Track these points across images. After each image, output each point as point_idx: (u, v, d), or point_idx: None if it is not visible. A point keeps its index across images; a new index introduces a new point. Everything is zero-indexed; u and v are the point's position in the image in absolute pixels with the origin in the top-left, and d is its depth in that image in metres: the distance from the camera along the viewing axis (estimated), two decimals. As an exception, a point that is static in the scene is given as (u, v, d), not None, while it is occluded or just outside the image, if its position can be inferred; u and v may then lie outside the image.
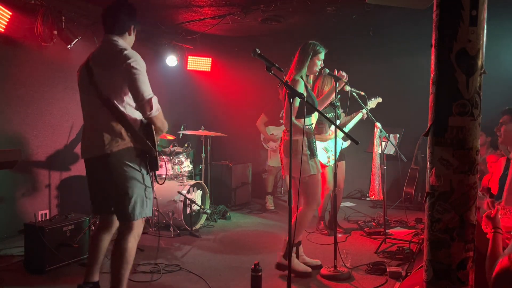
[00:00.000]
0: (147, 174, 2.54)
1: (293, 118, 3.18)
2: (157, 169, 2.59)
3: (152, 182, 2.62)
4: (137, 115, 2.51)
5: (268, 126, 5.92)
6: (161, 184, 2.80)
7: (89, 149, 2.54)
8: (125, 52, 2.43)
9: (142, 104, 2.41)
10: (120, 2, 2.62)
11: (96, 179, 2.61)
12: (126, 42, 2.59)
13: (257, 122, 5.96)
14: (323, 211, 4.59)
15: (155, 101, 2.43)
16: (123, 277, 2.45)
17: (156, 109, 2.45)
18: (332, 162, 4.28)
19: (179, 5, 4.95)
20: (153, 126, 2.50)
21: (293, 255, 3.31)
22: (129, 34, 2.61)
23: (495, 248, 2.06)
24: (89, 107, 2.55)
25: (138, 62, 2.41)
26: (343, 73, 3.45)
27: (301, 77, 3.30)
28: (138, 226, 2.52)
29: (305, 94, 3.25)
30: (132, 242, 2.48)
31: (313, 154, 3.31)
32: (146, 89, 2.41)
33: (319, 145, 4.09)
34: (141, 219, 2.53)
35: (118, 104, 2.43)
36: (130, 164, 2.46)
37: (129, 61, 2.38)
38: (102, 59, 2.50)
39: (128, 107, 2.46)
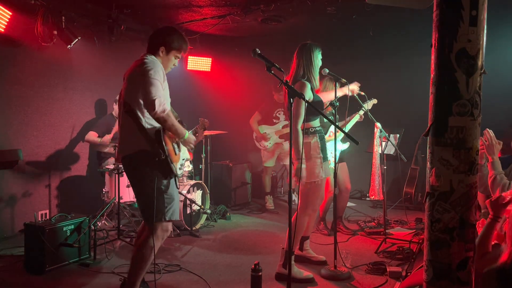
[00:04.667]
0: (164, 179, 2.66)
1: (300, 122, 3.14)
2: (171, 175, 2.69)
3: (172, 186, 2.71)
4: (154, 123, 2.64)
5: (261, 125, 5.90)
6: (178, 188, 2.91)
7: (119, 148, 2.78)
8: (146, 60, 2.63)
9: (147, 104, 2.53)
10: (162, 26, 2.99)
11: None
12: (156, 60, 2.73)
13: (250, 119, 5.93)
14: (324, 212, 4.58)
15: (158, 102, 2.50)
16: (139, 274, 2.67)
17: (162, 110, 2.53)
18: (332, 165, 4.24)
19: (179, 5, 4.95)
20: (162, 132, 2.62)
21: (293, 263, 3.26)
22: (159, 55, 2.77)
23: (486, 234, 2.03)
24: (119, 113, 2.77)
25: (155, 70, 2.57)
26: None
27: (308, 80, 3.24)
28: (158, 228, 2.64)
29: (312, 97, 3.24)
30: (150, 243, 2.61)
31: (325, 157, 3.29)
32: (153, 91, 2.50)
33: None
34: (161, 222, 2.64)
35: (136, 110, 2.60)
36: (146, 167, 2.61)
37: (145, 66, 2.57)
38: (130, 69, 2.72)
39: (146, 113, 2.61)
